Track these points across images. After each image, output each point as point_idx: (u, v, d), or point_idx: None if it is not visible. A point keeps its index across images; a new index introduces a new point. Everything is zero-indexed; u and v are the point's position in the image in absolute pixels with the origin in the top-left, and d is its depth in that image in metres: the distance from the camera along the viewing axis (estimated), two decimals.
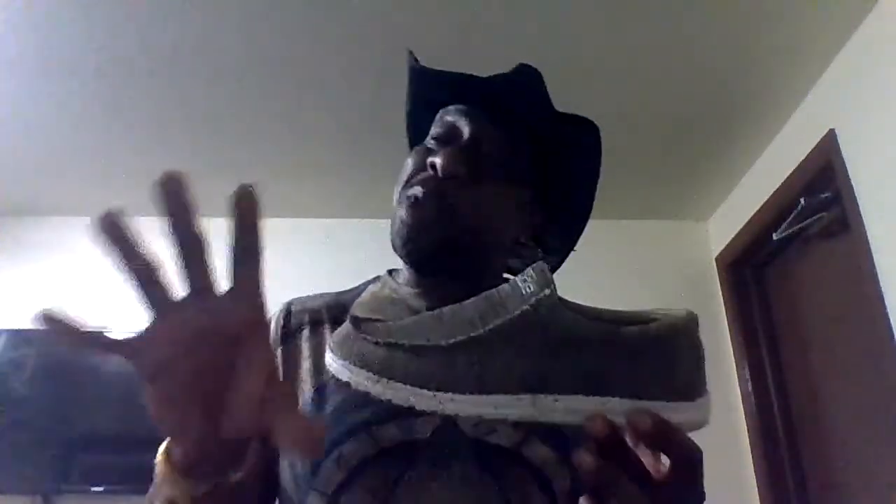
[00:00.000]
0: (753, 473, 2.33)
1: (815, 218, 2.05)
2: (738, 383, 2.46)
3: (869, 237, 1.75)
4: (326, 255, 2.67)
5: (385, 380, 0.44)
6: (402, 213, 0.69)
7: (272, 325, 0.76)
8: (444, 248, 0.68)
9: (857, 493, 1.94)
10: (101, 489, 2.25)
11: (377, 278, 0.82)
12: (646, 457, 0.43)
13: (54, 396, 2.39)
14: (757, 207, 2.34)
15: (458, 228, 0.68)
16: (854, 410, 1.96)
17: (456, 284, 0.70)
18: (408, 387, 0.44)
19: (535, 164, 0.74)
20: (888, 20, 1.67)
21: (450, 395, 0.43)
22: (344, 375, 0.46)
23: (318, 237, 2.76)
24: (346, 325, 0.50)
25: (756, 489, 2.30)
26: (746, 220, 2.42)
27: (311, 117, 2.16)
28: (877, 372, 1.78)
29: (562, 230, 0.82)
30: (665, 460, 0.42)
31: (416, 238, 0.68)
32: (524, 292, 0.44)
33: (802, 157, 2.04)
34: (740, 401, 2.44)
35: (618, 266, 2.65)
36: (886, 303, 1.68)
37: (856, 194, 1.81)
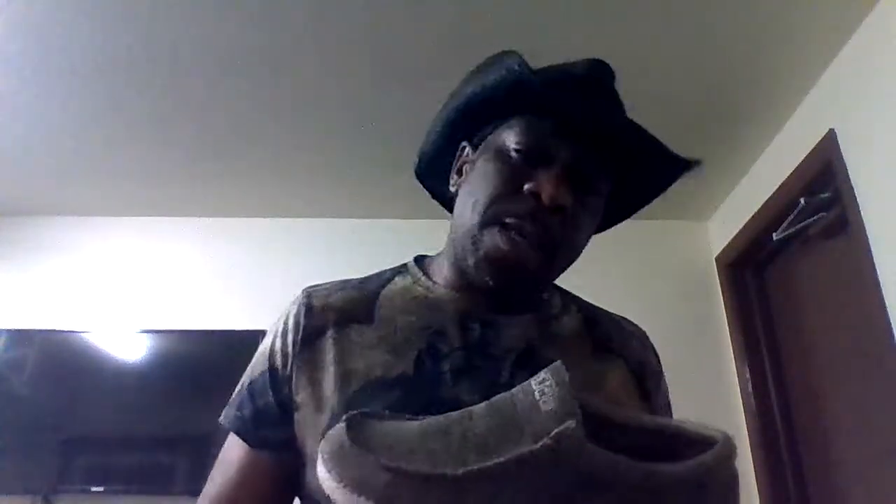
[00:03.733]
0: (753, 473, 2.33)
1: (815, 218, 2.05)
2: (738, 383, 2.47)
3: (869, 237, 1.75)
4: (326, 255, 2.67)
5: None
6: (497, 239, 0.63)
7: (290, 323, 0.70)
8: (535, 282, 0.67)
9: (857, 493, 1.94)
10: (101, 489, 2.25)
11: (403, 267, 0.76)
12: None
13: (54, 396, 2.39)
14: (757, 207, 2.34)
15: (555, 265, 0.67)
16: (854, 411, 1.96)
17: (502, 295, 0.68)
18: None
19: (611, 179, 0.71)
20: (888, 20, 1.67)
21: None
22: (338, 499, 0.41)
23: (318, 237, 2.75)
24: (340, 431, 0.44)
25: (756, 489, 2.30)
26: (746, 220, 2.42)
27: (312, 117, 2.16)
28: (877, 372, 1.78)
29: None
30: None
31: (512, 270, 0.64)
32: (542, 409, 0.39)
33: (802, 157, 2.04)
34: (740, 401, 2.44)
35: (618, 266, 2.65)
36: (886, 303, 1.68)
37: (856, 194, 1.81)
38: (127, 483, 2.29)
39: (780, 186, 2.18)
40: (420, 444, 0.41)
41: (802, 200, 2.03)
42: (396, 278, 0.74)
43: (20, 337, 2.48)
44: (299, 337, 0.68)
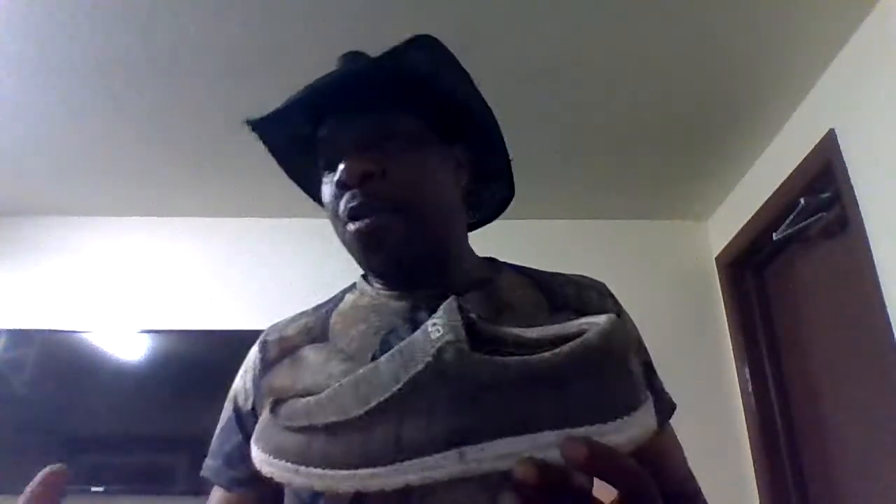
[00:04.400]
0: (753, 473, 2.33)
1: (815, 218, 2.05)
2: (738, 383, 2.47)
3: (869, 237, 1.75)
4: (326, 255, 2.67)
5: (303, 467, 0.42)
6: (349, 234, 0.67)
7: (248, 363, 0.76)
8: (413, 246, 0.67)
9: (857, 493, 1.94)
10: (101, 489, 2.25)
11: (353, 285, 0.80)
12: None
13: (54, 396, 2.39)
14: (757, 207, 2.34)
15: (415, 222, 0.67)
16: (854, 410, 1.96)
17: (426, 272, 0.70)
18: (326, 471, 0.41)
19: (423, 117, 0.71)
20: (888, 20, 1.67)
21: (370, 470, 0.40)
22: (265, 469, 0.44)
23: (319, 237, 2.76)
24: (265, 412, 0.47)
25: (756, 489, 2.30)
26: (746, 220, 2.42)
27: None
28: (877, 371, 1.78)
29: (490, 171, 0.79)
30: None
31: (380, 245, 0.66)
32: (432, 338, 0.41)
33: (802, 157, 2.04)
34: (740, 401, 2.44)
35: (618, 266, 2.65)
36: (886, 303, 1.68)
37: (856, 194, 1.81)
38: (127, 483, 2.29)
39: (780, 186, 2.18)
40: (332, 403, 0.44)
41: (802, 200, 2.03)
42: (347, 296, 0.78)
43: (20, 337, 2.48)
44: (258, 371, 0.73)
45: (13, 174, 2.50)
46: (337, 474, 0.41)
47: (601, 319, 0.41)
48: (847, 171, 1.84)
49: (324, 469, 0.41)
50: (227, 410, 0.76)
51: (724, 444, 2.36)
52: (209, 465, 0.75)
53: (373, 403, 0.41)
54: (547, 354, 0.39)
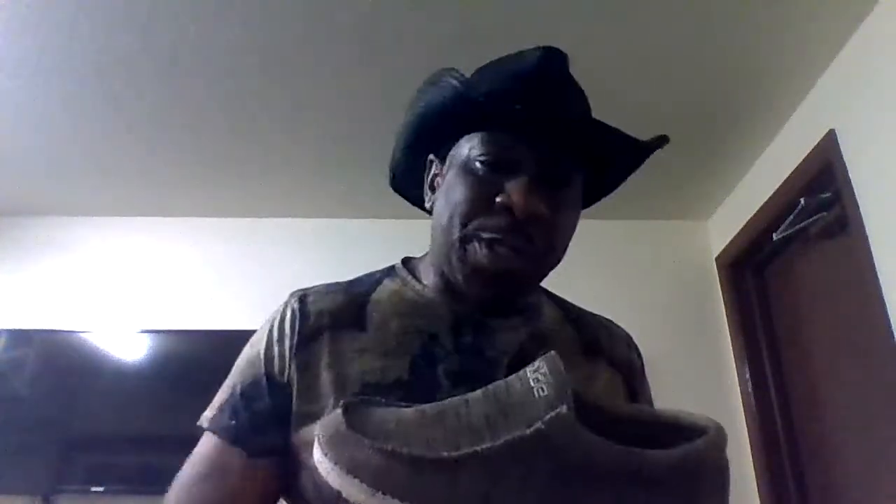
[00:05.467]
0: (753, 473, 2.33)
1: (815, 218, 2.05)
2: (738, 383, 2.47)
3: (869, 237, 1.75)
4: (326, 254, 2.67)
5: (380, 494, 0.40)
6: (481, 253, 0.63)
7: (286, 328, 0.68)
8: (521, 289, 0.68)
9: (857, 493, 1.94)
10: (101, 489, 2.25)
11: (392, 270, 0.76)
12: None
13: (54, 396, 2.39)
14: (757, 207, 2.34)
15: (542, 269, 0.68)
16: (854, 410, 1.96)
17: (491, 301, 0.69)
18: None
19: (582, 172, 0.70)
20: (888, 20, 1.67)
21: None
22: (333, 481, 0.42)
23: (318, 237, 2.76)
24: (337, 416, 0.44)
25: (756, 489, 2.30)
26: (746, 220, 2.42)
27: (311, 117, 2.16)
28: (877, 372, 1.78)
29: None
30: None
31: (501, 281, 0.65)
32: (536, 395, 0.39)
33: (802, 157, 2.04)
34: (740, 401, 2.44)
35: (618, 266, 2.65)
36: (886, 303, 1.68)
37: (856, 194, 1.80)
38: (127, 483, 2.29)
39: (780, 186, 2.18)
40: (415, 428, 0.42)
41: (802, 200, 2.03)
42: (385, 280, 0.74)
43: (20, 337, 2.48)
44: (295, 342, 0.67)
45: (13, 174, 2.50)
46: None
47: (710, 425, 0.41)
48: (847, 171, 1.84)
49: (402, 501, 0.39)
50: (252, 369, 0.68)
51: None
52: (226, 423, 0.67)
53: (465, 450, 0.39)
54: (661, 454, 0.38)
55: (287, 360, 0.67)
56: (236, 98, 2.06)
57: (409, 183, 0.79)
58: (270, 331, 0.70)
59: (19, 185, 2.57)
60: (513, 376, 0.43)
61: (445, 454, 0.39)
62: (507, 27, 1.75)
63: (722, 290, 2.63)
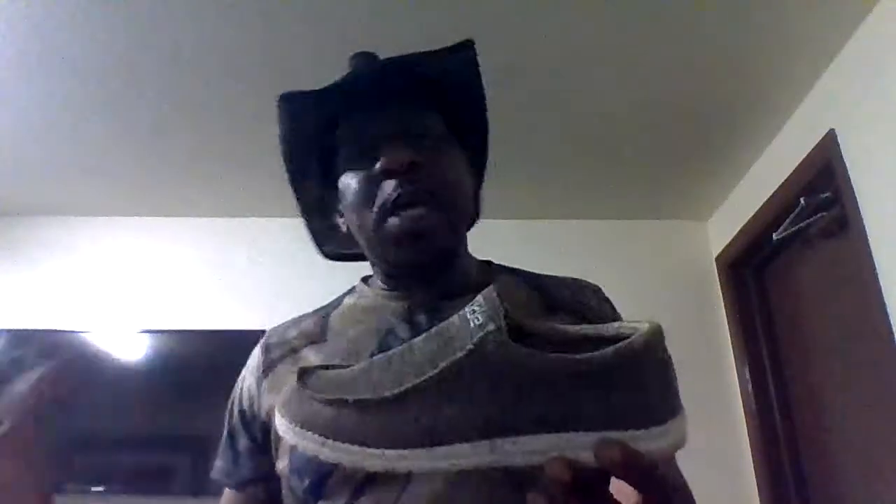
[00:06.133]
0: (753, 473, 2.33)
1: (815, 218, 2.05)
2: (738, 383, 2.47)
3: (869, 237, 1.75)
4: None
5: (331, 441, 0.42)
6: (393, 222, 0.66)
7: (252, 364, 0.76)
8: (447, 238, 0.69)
9: (858, 493, 1.94)
10: (101, 489, 2.25)
11: (353, 289, 0.80)
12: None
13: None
14: (757, 207, 2.34)
15: (447, 216, 0.68)
16: (854, 411, 1.96)
17: (436, 271, 0.71)
18: (355, 447, 0.41)
19: (444, 117, 0.73)
20: (888, 20, 1.67)
21: (398, 451, 0.40)
22: (290, 438, 0.44)
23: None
24: (291, 382, 0.47)
25: (756, 489, 2.30)
26: (746, 220, 2.42)
27: None
28: (877, 372, 1.78)
29: (481, 172, 0.81)
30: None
31: (421, 236, 0.66)
32: (472, 324, 0.41)
33: (802, 157, 2.04)
34: (740, 401, 2.44)
35: (618, 266, 2.65)
36: (886, 303, 1.68)
37: (856, 194, 1.81)
38: (127, 483, 2.29)
39: (780, 186, 2.18)
40: (363, 378, 0.43)
41: (802, 200, 2.03)
42: (346, 299, 0.79)
43: (20, 337, 2.48)
44: (260, 372, 0.73)
45: (13, 174, 2.50)
46: (364, 451, 0.41)
47: (644, 325, 0.42)
48: (847, 171, 1.84)
49: (352, 445, 0.41)
50: (232, 413, 0.76)
51: (724, 444, 2.36)
52: (218, 466, 0.76)
53: (407, 385, 0.41)
54: (594, 354, 0.39)
55: (254, 390, 0.73)
56: (236, 98, 2.06)
57: (330, 240, 0.82)
58: (244, 372, 0.78)
59: (19, 185, 2.57)
60: (454, 315, 0.44)
61: (388, 393, 0.41)
62: (505, 30, 1.76)
63: (722, 290, 2.63)
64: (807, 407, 2.24)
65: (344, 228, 0.77)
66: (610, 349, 0.39)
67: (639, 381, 0.40)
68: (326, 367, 0.48)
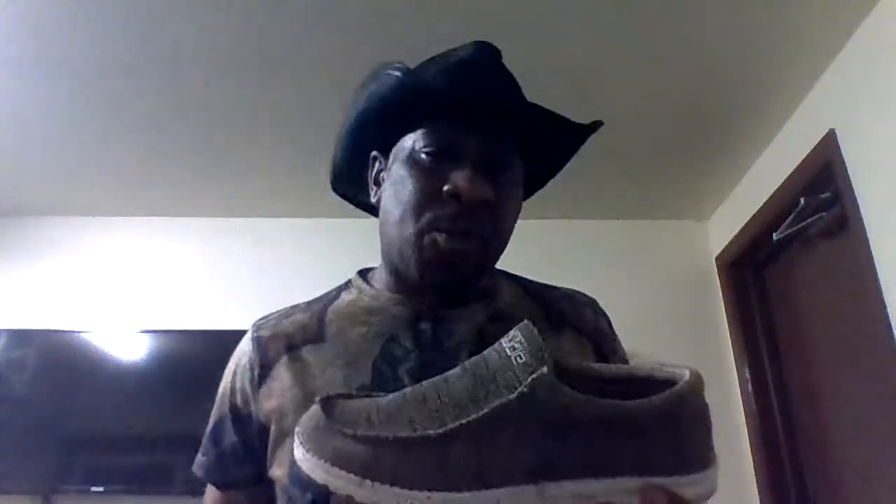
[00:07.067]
0: (753, 473, 2.33)
1: (815, 218, 2.05)
2: (738, 383, 2.47)
3: (869, 237, 1.75)
4: (326, 254, 2.67)
5: (369, 482, 0.39)
6: (436, 243, 0.64)
7: (244, 361, 0.72)
8: (475, 274, 0.68)
9: (857, 493, 1.94)
10: (101, 489, 2.25)
11: (348, 283, 0.77)
12: None
13: (54, 396, 2.39)
14: (757, 207, 2.34)
15: (491, 253, 0.68)
16: (854, 410, 1.96)
17: (440, 289, 0.69)
18: (396, 489, 0.39)
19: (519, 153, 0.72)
20: (888, 20, 1.67)
21: (445, 494, 0.39)
22: (318, 476, 0.41)
23: (318, 237, 2.76)
24: (316, 411, 0.44)
25: (756, 489, 2.30)
26: (746, 220, 2.42)
27: (311, 117, 2.16)
28: (877, 372, 1.78)
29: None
30: None
31: (455, 267, 0.65)
32: (515, 363, 0.40)
33: (802, 157, 2.04)
34: (740, 401, 2.44)
35: (618, 266, 2.65)
36: (886, 303, 1.68)
37: (856, 194, 1.80)
38: (127, 483, 2.29)
39: (780, 186, 2.18)
40: (397, 413, 0.42)
41: (802, 200, 2.03)
42: (342, 294, 0.76)
43: (20, 337, 2.48)
44: (255, 373, 0.70)
45: (13, 174, 2.50)
46: (409, 494, 0.39)
47: (686, 372, 0.42)
48: (847, 171, 1.84)
49: (392, 486, 0.39)
50: (220, 408, 0.73)
51: (724, 444, 2.33)
52: (201, 461, 0.74)
53: (451, 424, 0.39)
54: (643, 402, 0.40)
55: (249, 392, 0.70)
56: (236, 98, 2.06)
57: (348, 181, 0.81)
58: (233, 366, 0.74)
59: (19, 185, 2.57)
60: (489, 349, 0.43)
61: (431, 432, 0.39)
62: (505, 31, 1.75)
63: (722, 290, 2.63)
64: (807, 407, 2.24)
65: (374, 199, 0.75)
66: (657, 398, 0.40)
67: (683, 428, 0.41)
68: (350, 396, 0.46)
